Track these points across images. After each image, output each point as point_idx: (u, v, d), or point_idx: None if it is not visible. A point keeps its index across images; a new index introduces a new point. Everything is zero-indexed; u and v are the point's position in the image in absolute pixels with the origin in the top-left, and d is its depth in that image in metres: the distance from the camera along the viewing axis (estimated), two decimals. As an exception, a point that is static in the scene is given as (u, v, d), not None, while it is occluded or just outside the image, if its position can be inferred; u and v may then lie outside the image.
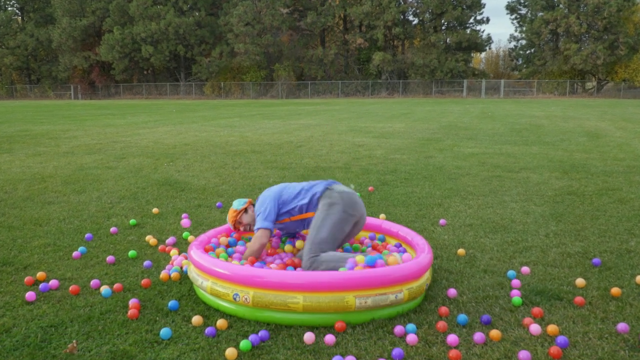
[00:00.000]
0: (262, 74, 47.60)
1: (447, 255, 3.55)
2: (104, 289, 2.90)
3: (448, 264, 3.38)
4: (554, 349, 2.23)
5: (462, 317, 2.54)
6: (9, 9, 55.09)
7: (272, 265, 2.99)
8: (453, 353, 2.21)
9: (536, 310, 2.62)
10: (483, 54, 61.49)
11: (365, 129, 13.06)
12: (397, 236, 3.45)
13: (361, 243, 3.55)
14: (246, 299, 2.55)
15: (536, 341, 2.37)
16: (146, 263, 3.34)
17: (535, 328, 2.43)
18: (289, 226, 3.33)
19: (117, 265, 3.39)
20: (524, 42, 47.12)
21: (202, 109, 26.05)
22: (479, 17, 46.55)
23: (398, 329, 2.44)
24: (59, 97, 53.01)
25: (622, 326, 2.45)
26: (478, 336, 2.37)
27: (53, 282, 3.00)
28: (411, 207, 4.89)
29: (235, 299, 2.59)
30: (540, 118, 16.96)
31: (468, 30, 45.33)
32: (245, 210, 3.36)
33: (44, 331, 2.50)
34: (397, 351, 2.24)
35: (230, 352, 2.24)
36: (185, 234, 3.99)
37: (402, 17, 45.84)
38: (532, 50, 46.41)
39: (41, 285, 2.95)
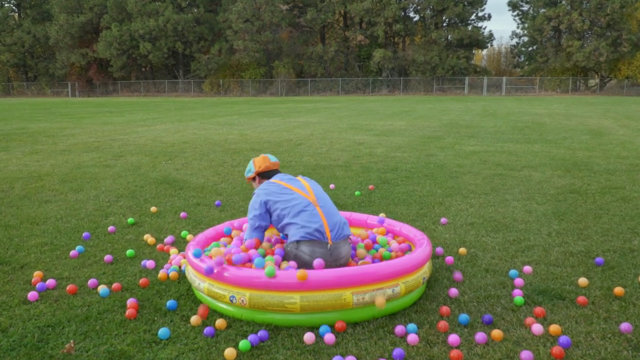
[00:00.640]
0: (262, 71, 47.49)
1: (448, 254, 3.52)
2: (102, 289, 2.88)
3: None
4: (557, 349, 2.20)
5: (463, 317, 2.52)
6: (6, 5, 54.75)
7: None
8: (454, 353, 2.19)
9: (538, 310, 2.60)
10: (485, 51, 61.39)
11: (365, 127, 13.02)
12: (399, 234, 3.42)
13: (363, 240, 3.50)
14: (243, 301, 2.52)
15: (538, 341, 2.35)
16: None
17: (537, 328, 2.41)
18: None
19: (115, 265, 3.37)
20: (526, 39, 46.94)
21: (200, 106, 26.02)
22: (480, 14, 46.46)
23: (399, 328, 2.42)
24: (56, 94, 52.83)
25: (625, 326, 2.43)
26: (480, 336, 2.35)
27: (50, 282, 2.98)
28: (412, 206, 4.87)
29: (232, 301, 2.56)
30: (543, 116, 16.91)
31: (469, 27, 45.24)
32: (253, 178, 3.37)
33: (41, 331, 2.47)
34: (397, 351, 2.22)
35: (230, 352, 2.21)
36: (183, 232, 3.96)
37: (402, 13, 45.69)
38: (534, 47, 46.25)
39: (38, 285, 2.93)
